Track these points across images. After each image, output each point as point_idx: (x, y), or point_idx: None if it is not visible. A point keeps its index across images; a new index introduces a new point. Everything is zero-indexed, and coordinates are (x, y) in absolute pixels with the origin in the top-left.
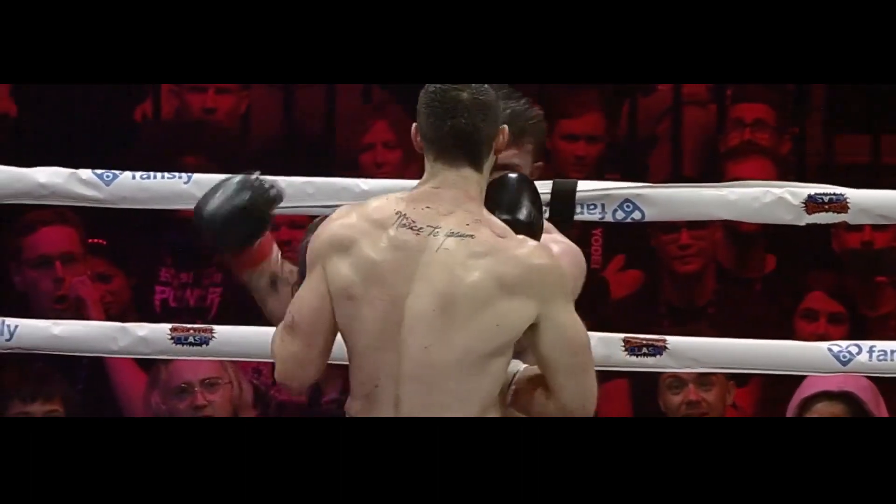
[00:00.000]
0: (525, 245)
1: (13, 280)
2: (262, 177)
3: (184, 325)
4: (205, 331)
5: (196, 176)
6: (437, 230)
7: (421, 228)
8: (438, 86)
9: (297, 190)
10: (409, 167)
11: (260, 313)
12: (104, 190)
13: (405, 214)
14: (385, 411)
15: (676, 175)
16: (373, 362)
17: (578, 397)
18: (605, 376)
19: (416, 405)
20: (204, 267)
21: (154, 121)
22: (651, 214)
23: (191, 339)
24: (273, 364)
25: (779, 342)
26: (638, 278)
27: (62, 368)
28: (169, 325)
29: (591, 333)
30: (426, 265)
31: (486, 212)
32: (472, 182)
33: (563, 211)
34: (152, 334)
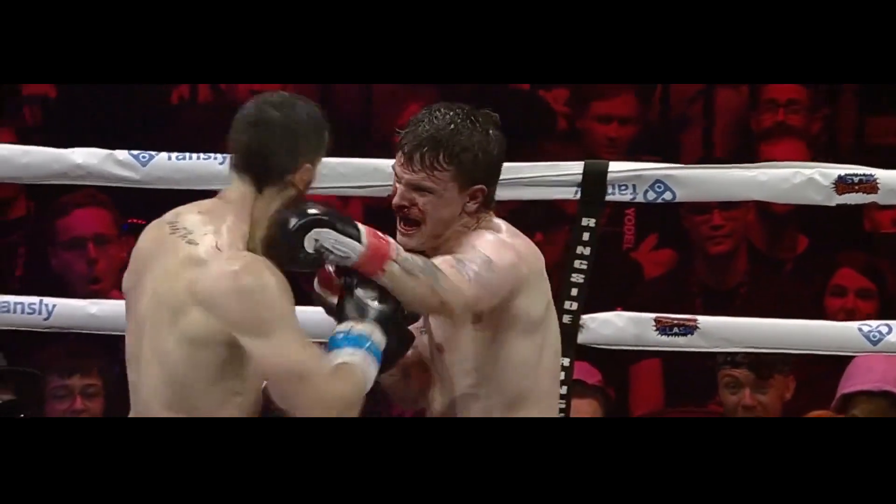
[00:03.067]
0: (232, 262)
1: (50, 261)
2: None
3: None
4: None
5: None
6: (188, 235)
7: (180, 230)
8: (256, 99)
9: (331, 171)
10: None
11: (296, 291)
12: (140, 170)
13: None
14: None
15: (708, 156)
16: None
17: (311, 409)
18: (637, 356)
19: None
20: None
21: (190, 103)
22: (682, 195)
23: None
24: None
25: (809, 322)
26: (670, 258)
27: (101, 344)
28: None
29: (622, 313)
30: (158, 265)
31: (240, 229)
32: (247, 200)
33: (594, 192)
34: None
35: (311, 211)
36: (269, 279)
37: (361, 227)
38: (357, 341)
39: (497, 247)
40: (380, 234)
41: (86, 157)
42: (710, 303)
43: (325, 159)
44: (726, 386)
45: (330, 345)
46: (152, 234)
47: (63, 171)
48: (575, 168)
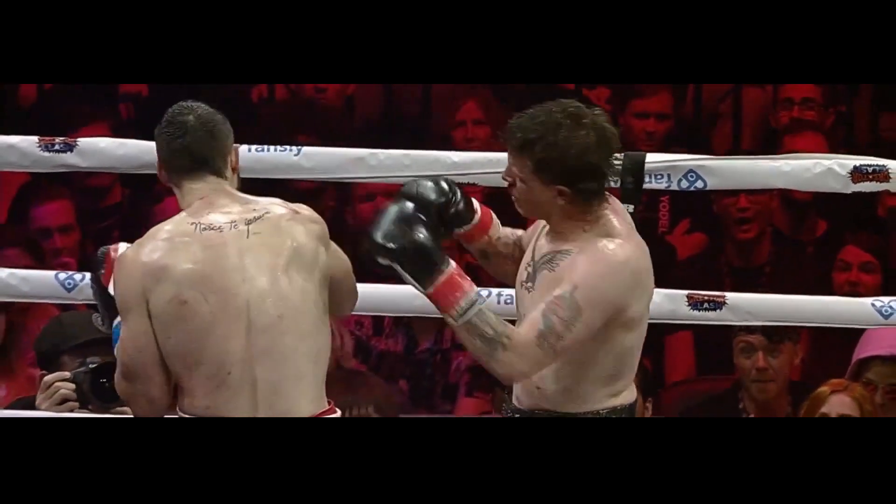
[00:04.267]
0: (301, 207)
1: None
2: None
3: None
4: None
5: (305, 149)
6: (234, 224)
7: (220, 227)
8: (169, 113)
9: (395, 161)
10: (496, 142)
11: (363, 271)
12: None
13: (200, 223)
14: (243, 395)
15: (736, 148)
16: (220, 352)
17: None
18: (670, 329)
19: (270, 380)
20: None
21: (269, 100)
22: (713, 184)
23: None
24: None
25: (827, 298)
26: (701, 241)
27: None
28: None
29: (657, 290)
30: (244, 251)
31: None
32: (223, 184)
33: (633, 180)
34: None
35: (390, 245)
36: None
37: (444, 270)
38: None
39: (599, 280)
40: (458, 283)
41: None
42: (738, 281)
43: (389, 151)
44: (742, 351)
45: None
46: (182, 254)
47: (154, 161)
48: (616, 159)
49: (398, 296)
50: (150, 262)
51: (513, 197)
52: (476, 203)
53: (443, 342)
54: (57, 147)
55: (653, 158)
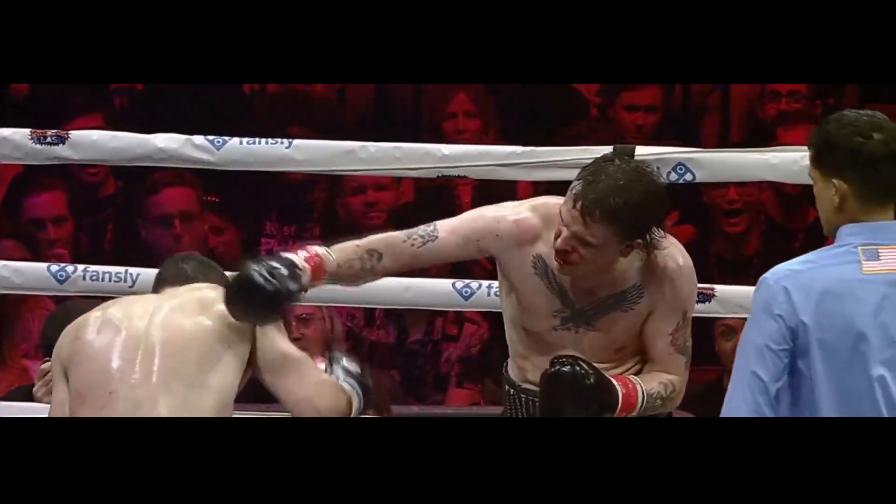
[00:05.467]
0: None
1: (140, 234)
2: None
3: None
4: None
5: (296, 142)
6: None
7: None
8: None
9: (386, 154)
10: (487, 134)
11: None
12: (215, 154)
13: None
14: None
15: (724, 141)
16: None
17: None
18: None
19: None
20: (305, 221)
21: (261, 93)
22: (701, 176)
23: None
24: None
25: None
26: (691, 233)
27: None
28: None
29: None
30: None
31: None
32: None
33: None
34: None
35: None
36: None
37: (618, 400)
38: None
39: (693, 294)
40: (629, 398)
41: (167, 142)
42: (727, 273)
43: (380, 144)
44: (722, 335)
45: None
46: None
47: (146, 154)
48: (605, 151)
49: (389, 288)
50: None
51: (566, 264)
52: (299, 259)
53: (433, 333)
54: (49, 139)
55: (642, 151)
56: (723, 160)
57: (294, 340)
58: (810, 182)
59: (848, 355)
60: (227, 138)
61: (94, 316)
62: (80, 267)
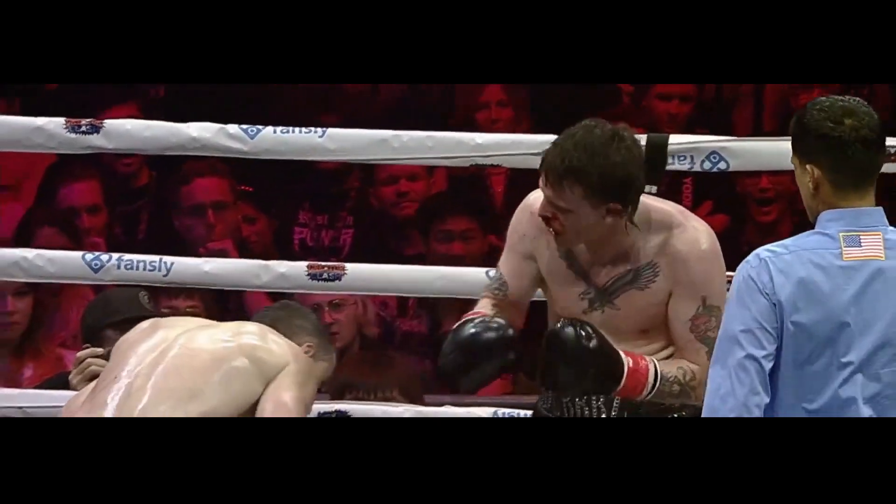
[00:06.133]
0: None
1: (173, 223)
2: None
3: (319, 262)
4: (338, 268)
5: (329, 131)
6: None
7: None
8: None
9: (418, 143)
10: (520, 123)
11: (386, 252)
12: (248, 143)
13: None
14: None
15: (758, 130)
16: None
17: None
18: None
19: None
20: (338, 210)
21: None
22: (735, 165)
23: (325, 276)
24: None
25: None
26: (724, 222)
27: None
28: (306, 263)
29: None
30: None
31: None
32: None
33: (655, 162)
34: (291, 271)
35: (577, 389)
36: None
37: (625, 369)
38: None
39: (712, 276)
40: (639, 372)
41: (200, 131)
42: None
43: (412, 133)
44: None
45: None
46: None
47: (180, 143)
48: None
49: (422, 277)
50: None
51: (553, 231)
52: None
53: None
54: (83, 128)
55: (675, 140)
56: (756, 149)
57: (326, 327)
58: None
59: (822, 342)
60: (260, 127)
61: (153, 321)
62: (115, 256)
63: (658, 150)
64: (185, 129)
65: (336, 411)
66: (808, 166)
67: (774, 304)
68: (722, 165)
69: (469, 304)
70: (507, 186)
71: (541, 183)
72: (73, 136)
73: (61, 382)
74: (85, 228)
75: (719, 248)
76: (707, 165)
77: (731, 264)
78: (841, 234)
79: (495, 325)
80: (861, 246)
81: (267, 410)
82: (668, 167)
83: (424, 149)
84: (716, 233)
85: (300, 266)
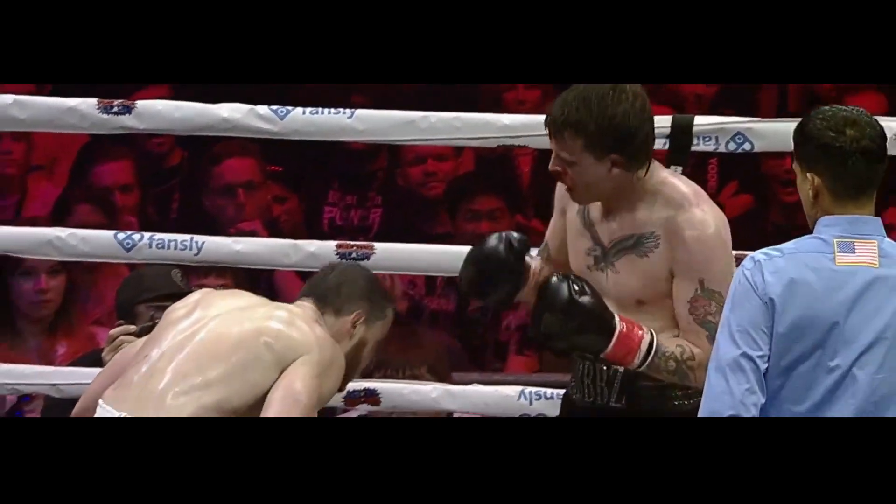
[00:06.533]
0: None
1: (203, 203)
2: (510, 234)
3: (348, 241)
4: (366, 247)
5: (358, 112)
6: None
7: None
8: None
9: (446, 124)
10: (546, 104)
11: (414, 232)
12: (278, 123)
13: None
14: None
15: (783, 111)
16: None
17: None
18: None
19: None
20: (367, 190)
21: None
22: (760, 146)
23: (354, 255)
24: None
25: None
26: (748, 202)
27: None
28: (335, 242)
29: None
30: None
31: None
32: (309, 312)
33: (681, 142)
34: (320, 250)
35: (560, 339)
36: (340, 363)
37: (615, 328)
38: None
39: (713, 261)
40: (632, 335)
41: (231, 112)
42: (785, 239)
43: (440, 114)
44: None
45: None
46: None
47: (211, 124)
48: (664, 122)
49: (450, 256)
50: None
51: (566, 188)
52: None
53: None
54: (115, 109)
55: (701, 121)
56: (780, 130)
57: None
58: None
59: (810, 344)
60: (290, 108)
61: (204, 293)
62: (147, 235)
63: (683, 131)
64: (216, 109)
65: (365, 389)
66: (808, 174)
67: (766, 304)
68: (746, 146)
69: None
70: (533, 167)
71: (549, 138)
72: (105, 116)
73: (94, 360)
74: (118, 207)
75: (726, 236)
76: (732, 146)
77: (756, 243)
78: (835, 240)
79: (506, 237)
80: (855, 252)
81: (275, 399)
82: (694, 148)
83: (452, 129)
84: (740, 213)
85: (329, 245)
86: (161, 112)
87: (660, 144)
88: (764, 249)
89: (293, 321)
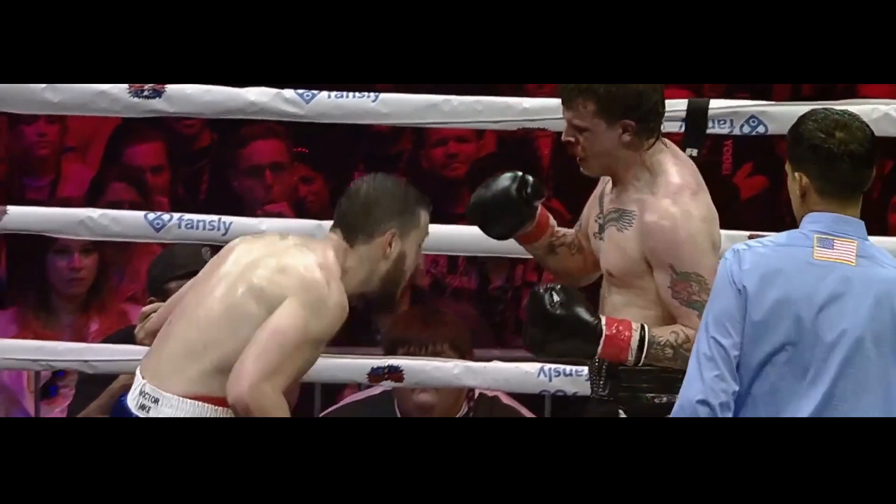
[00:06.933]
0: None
1: (231, 184)
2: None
3: None
4: None
5: (382, 95)
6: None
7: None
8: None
9: (467, 107)
10: None
11: (436, 212)
12: (304, 107)
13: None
14: None
15: (796, 95)
16: None
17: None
18: None
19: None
20: (391, 171)
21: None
22: (773, 129)
23: None
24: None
25: (880, 238)
26: (763, 183)
27: None
28: None
29: (721, 231)
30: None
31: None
32: (340, 250)
33: (697, 125)
34: None
35: (550, 349)
36: (335, 301)
37: (601, 332)
38: None
39: (682, 245)
40: (620, 329)
41: (258, 95)
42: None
43: (462, 98)
44: None
45: None
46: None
47: (239, 107)
48: (679, 105)
49: (472, 236)
50: None
51: (578, 158)
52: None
53: (514, 280)
54: (146, 93)
55: (716, 105)
56: (793, 113)
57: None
58: (881, 134)
59: (780, 334)
60: (315, 92)
61: (230, 246)
62: (176, 215)
63: (699, 115)
64: (244, 93)
65: (389, 366)
66: (797, 173)
67: (740, 292)
68: (760, 129)
69: (517, 262)
70: (553, 149)
71: (562, 108)
72: (135, 100)
73: (126, 336)
74: (150, 187)
75: (695, 227)
76: (746, 129)
77: (770, 223)
78: (816, 236)
79: (521, 176)
80: (834, 248)
81: (258, 337)
82: (709, 131)
83: (474, 113)
84: (755, 194)
85: None
86: (190, 96)
87: (676, 128)
88: (746, 241)
89: (284, 268)
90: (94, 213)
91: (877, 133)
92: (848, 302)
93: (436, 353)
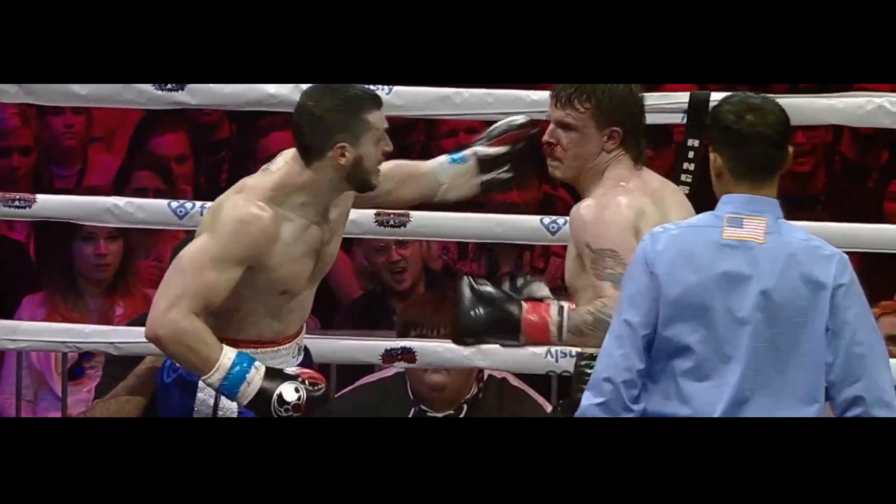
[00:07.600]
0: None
1: (251, 173)
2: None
3: (386, 210)
4: (403, 215)
5: (395, 88)
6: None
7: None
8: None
9: (478, 99)
10: None
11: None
12: None
13: None
14: None
15: (794, 88)
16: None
17: None
18: None
19: None
20: None
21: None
22: None
23: (392, 222)
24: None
25: (877, 226)
26: None
27: None
28: (374, 211)
29: None
30: None
31: (272, 186)
32: (295, 170)
33: (698, 117)
34: (360, 217)
35: (471, 340)
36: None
37: (521, 319)
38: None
39: (593, 225)
40: (540, 313)
41: (277, 88)
42: (794, 208)
43: (473, 90)
44: None
45: None
46: None
47: (258, 99)
48: (682, 97)
49: (482, 224)
50: None
51: (552, 159)
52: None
53: (523, 265)
54: (169, 86)
55: (717, 97)
56: (791, 105)
57: (393, 263)
58: (876, 125)
59: (691, 313)
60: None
61: None
62: (199, 203)
63: (700, 106)
64: (264, 86)
65: (402, 348)
66: (712, 154)
67: (652, 275)
68: None
69: (525, 248)
70: None
71: (550, 107)
72: (159, 93)
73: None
74: (175, 176)
75: (613, 209)
76: None
77: None
78: (727, 216)
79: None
80: (742, 227)
81: (166, 274)
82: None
83: (484, 104)
84: None
85: (369, 213)
86: (212, 88)
87: (678, 119)
88: (665, 224)
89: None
90: (119, 201)
91: (872, 125)
92: (756, 277)
93: (447, 335)
